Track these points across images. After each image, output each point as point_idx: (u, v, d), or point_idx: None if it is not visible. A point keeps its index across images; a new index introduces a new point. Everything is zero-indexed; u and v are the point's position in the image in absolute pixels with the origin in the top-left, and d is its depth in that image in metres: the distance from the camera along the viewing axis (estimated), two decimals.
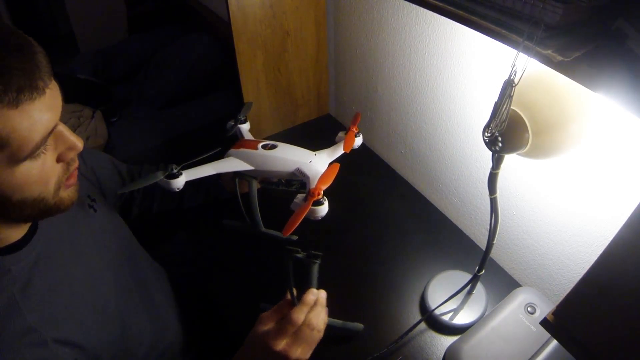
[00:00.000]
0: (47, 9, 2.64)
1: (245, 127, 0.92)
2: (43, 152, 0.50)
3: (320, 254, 0.74)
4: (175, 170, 0.73)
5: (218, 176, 0.95)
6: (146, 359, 0.74)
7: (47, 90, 0.48)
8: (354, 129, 0.86)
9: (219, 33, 1.72)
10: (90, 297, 0.64)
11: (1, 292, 0.52)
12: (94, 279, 0.67)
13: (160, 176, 0.72)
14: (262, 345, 0.67)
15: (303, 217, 0.69)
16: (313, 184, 0.75)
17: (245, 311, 0.88)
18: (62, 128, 0.53)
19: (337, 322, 0.83)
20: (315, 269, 0.76)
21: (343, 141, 0.84)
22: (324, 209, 0.72)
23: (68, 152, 0.54)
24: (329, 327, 0.74)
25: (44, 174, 0.51)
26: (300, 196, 0.74)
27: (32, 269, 0.57)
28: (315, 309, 0.71)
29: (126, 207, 0.92)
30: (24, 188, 0.50)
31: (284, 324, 0.68)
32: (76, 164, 0.57)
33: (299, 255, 0.74)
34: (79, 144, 0.54)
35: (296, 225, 0.68)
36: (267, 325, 0.69)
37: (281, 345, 0.67)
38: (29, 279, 0.56)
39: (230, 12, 1.03)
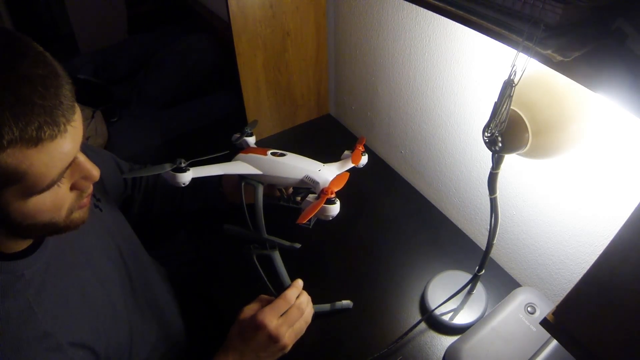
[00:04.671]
0: (47, 9, 2.64)
1: (251, 140, 0.92)
2: (58, 184, 0.49)
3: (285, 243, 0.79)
4: (183, 165, 0.73)
5: (219, 185, 0.95)
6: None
7: (69, 127, 0.46)
8: (360, 148, 0.88)
9: (219, 33, 1.72)
10: (100, 299, 0.65)
11: (16, 297, 0.52)
12: (103, 280, 0.67)
13: (167, 168, 0.72)
14: (254, 325, 0.70)
15: (317, 210, 0.71)
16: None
17: None
18: (81, 157, 0.51)
19: (326, 306, 0.86)
20: (277, 257, 0.80)
21: (350, 157, 0.87)
22: (335, 208, 0.74)
23: (83, 181, 0.53)
24: (320, 315, 0.76)
25: (57, 202, 0.51)
26: (312, 196, 0.76)
27: (44, 273, 0.56)
28: (303, 295, 0.76)
29: (126, 207, 0.92)
30: (35, 216, 0.49)
31: (277, 301, 0.72)
32: (90, 190, 0.56)
33: (258, 251, 0.79)
34: (96, 173, 0.53)
35: (310, 216, 0.71)
36: (253, 308, 0.73)
37: (274, 323, 0.70)
38: (41, 283, 0.56)
39: (230, 12, 1.03)
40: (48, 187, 0.47)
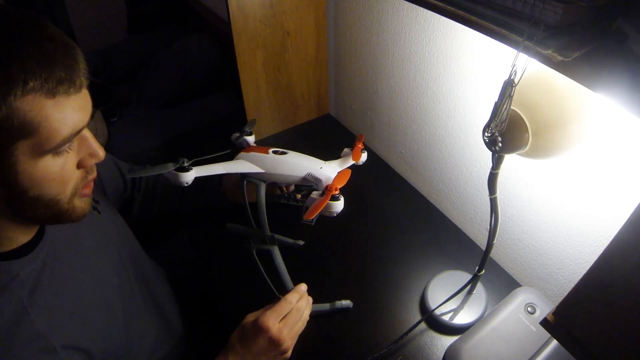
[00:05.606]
0: (47, 8, 2.64)
1: (250, 139, 0.92)
2: (67, 151, 0.51)
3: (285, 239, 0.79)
4: (186, 164, 0.73)
5: (220, 184, 0.96)
6: None
7: (83, 90, 0.50)
8: (360, 145, 0.89)
9: (219, 33, 1.72)
10: (96, 301, 0.64)
11: (11, 297, 0.52)
12: (100, 282, 0.67)
13: (170, 167, 0.72)
14: (256, 328, 0.70)
15: (323, 206, 0.72)
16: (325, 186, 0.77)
17: (246, 312, 0.88)
18: (88, 134, 0.54)
19: (325, 306, 0.87)
20: (277, 252, 0.81)
21: (350, 154, 0.88)
22: (340, 205, 0.75)
23: (89, 158, 0.54)
24: (320, 314, 0.77)
25: (64, 175, 0.52)
26: (316, 192, 0.76)
27: (39, 274, 0.56)
28: (303, 299, 0.77)
29: (126, 207, 0.92)
30: (42, 184, 0.50)
31: (278, 304, 0.73)
32: (94, 174, 0.58)
33: (257, 245, 0.79)
34: (101, 153, 0.55)
35: (317, 212, 0.71)
36: (255, 314, 0.73)
37: (276, 326, 0.71)
38: (36, 283, 0.55)
39: (230, 12, 1.03)
40: (58, 146, 0.49)
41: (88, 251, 0.67)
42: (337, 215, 0.75)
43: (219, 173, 0.78)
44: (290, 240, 0.81)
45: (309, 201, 0.75)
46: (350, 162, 0.86)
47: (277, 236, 0.80)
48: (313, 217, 0.72)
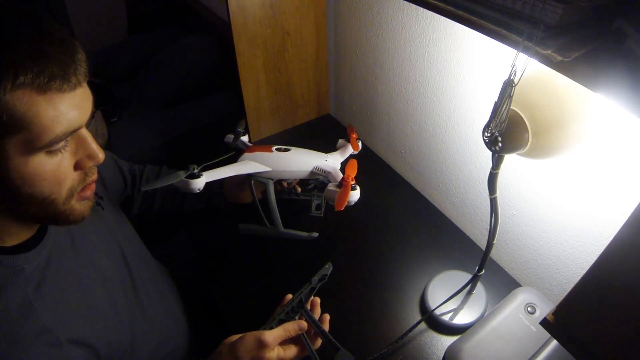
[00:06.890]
0: (47, 9, 2.64)
1: (245, 139, 0.93)
2: (61, 151, 0.50)
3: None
4: (196, 171, 0.73)
5: (221, 185, 0.96)
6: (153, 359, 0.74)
7: (78, 89, 0.49)
8: (354, 135, 0.90)
9: (219, 33, 1.72)
10: (100, 297, 0.64)
11: (16, 291, 0.52)
12: (103, 278, 0.67)
13: (181, 175, 0.73)
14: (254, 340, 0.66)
15: (348, 195, 0.77)
16: (336, 177, 0.79)
17: (247, 312, 0.88)
18: (87, 134, 0.52)
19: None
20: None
21: (347, 145, 0.89)
22: (357, 194, 0.78)
23: (87, 160, 0.53)
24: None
25: (58, 174, 0.50)
26: (332, 184, 0.78)
27: (44, 269, 0.56)
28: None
29: (126, 206, 0.92)
30: (34, 182, 0.48)
31: (277, 330, 0.68)
32: (94, 177, 0.56)
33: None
34: (100, 155, 0.53)
35: (346, 202, 0.76)
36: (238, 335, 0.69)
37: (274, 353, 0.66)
38: (41, 278, 0.55)
39: (230, 12, 1.03)
40: (50, 144, 0.47)
41: (91, 247, 0.67)
42: (346, 212, 0.76)
43: (228, 176, 0.79)
44: (305, 234, 0.82)
45: (328, 193, 0.77)
46: (350, 151, 0.88)
47: (290, 231, 0.81)
48: (343, 207, 0.75)
